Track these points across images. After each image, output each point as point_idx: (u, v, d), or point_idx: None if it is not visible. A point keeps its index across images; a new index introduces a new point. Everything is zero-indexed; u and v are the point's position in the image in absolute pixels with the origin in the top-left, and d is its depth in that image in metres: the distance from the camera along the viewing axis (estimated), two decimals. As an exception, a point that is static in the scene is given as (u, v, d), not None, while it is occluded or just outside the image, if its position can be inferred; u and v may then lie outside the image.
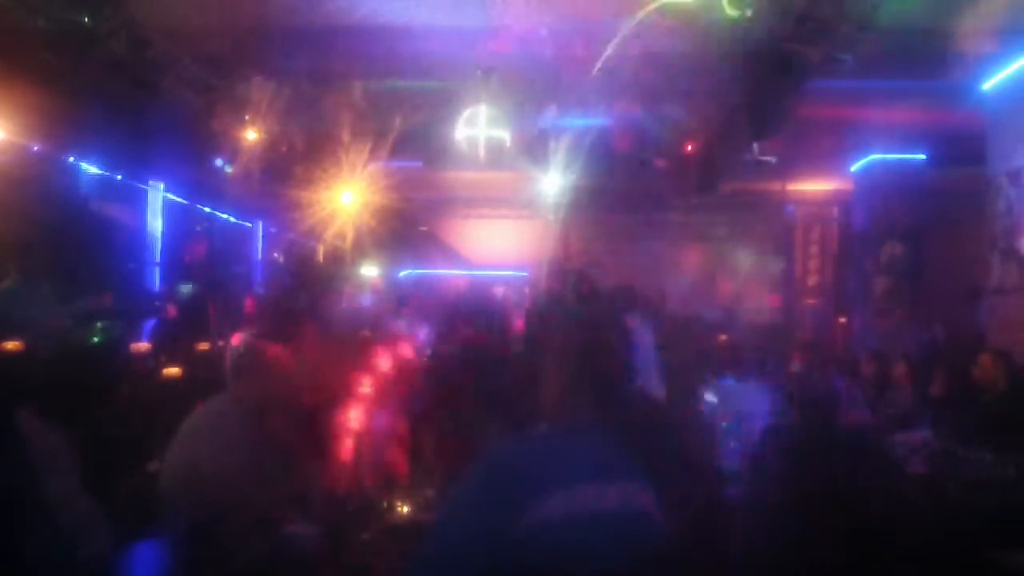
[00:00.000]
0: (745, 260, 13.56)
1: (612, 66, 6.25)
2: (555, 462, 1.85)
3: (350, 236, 8.89)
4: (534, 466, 1.83)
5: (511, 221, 12.71)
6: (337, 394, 4.00)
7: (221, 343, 7.74)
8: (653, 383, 4.44)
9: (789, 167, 10.01)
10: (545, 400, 1.97)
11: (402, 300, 6.34)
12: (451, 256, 13.15)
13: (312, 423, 3.77)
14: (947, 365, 5.86)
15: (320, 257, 11.40)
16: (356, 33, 5.91)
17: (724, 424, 4.63)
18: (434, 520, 1.90)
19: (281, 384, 3.22)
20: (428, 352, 5.04)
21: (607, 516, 1.83)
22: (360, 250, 9.09)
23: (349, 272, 8.57)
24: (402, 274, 11.70)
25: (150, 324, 7.17)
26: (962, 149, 7.82)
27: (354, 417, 3.80)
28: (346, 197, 8.64)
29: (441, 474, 3.17)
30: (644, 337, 4.67)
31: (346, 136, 7.81)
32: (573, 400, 1.95)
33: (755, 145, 7.50)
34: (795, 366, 5.75)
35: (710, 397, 4.91)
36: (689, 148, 9.11)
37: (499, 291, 7.83)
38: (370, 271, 9.20)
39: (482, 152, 6.91)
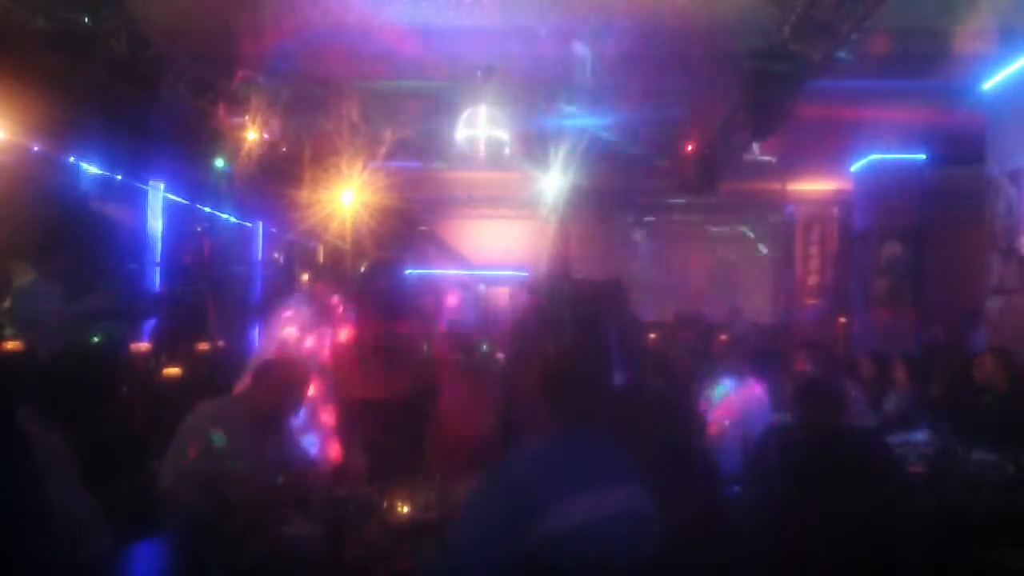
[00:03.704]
0: (745, 260, 13.57)
1: (612, 66, 6.25)
2: (563, 470, 1.86)
3: (350, 236, 8.90)
4: (544, 475, 1.84)
5: (511, 221, 12.72)
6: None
7: (221, 343, 7.76)
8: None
9: (789, 167, 10.01)
10: (546, 405, 1.98)
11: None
12: (451, 256, 13.16)
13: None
14: (947, 365, 5.86)
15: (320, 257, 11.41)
16: (356, 33, 5.91)
17: (725, 424, 4.63)
18: (450, 531, 1.90)
19: (299, 396, 3.27)
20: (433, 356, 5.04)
21: (610, 520, 1.84)
22: (360, 250, 9.09)
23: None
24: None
25: (150, 324, 7.18)
26: (962, 149, 7.82)
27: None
28: (346, 197, 8.64)
29: (442, 475, 3.17)
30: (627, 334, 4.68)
31: (346, 136, 7.81)
32: (572, 404, 1.96)
33: (755, 145, 7.49)
34: (800, 366, 5.76)
35: (711, 397, 4.91)
36: (689, 148, 9.11)
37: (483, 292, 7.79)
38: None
39: (482, 152, 6.90)
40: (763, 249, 13.65)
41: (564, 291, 4.90)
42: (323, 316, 4.76)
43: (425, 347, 4.93)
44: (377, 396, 4.32)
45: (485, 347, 4.47)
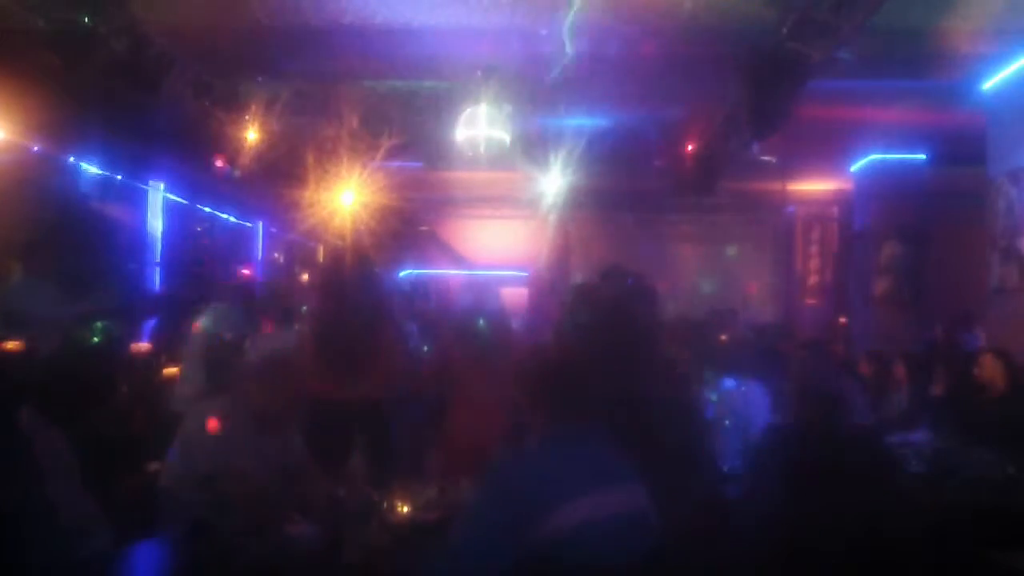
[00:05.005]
0: (745, 260, 13.57)
1: (612, 67, 6.25)
2: (564, 470, 1.86)
3: (350, 236, 8.90)
4: (545, 476, 1.83)
5: (511, 221, 12.72)
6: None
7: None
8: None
9: (789, 167, 10.01)
10: (548, 404, 1.98)
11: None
12: (451, 256, 13.16)
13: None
14: (947, 365, 5.86)
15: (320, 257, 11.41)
16: (356, 33, 5.91)
17: (725, 424, 4.63)
18: (450, 532, 1.90)
19: (294, 393, 3.26)
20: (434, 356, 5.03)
21: (611, 519, 1.84)
22: (360, 250, 9.08)
23: None
24: (402, 274, 11.70)
25: (150, 324, 7.18)
26: (962, 149, 7.82)
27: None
28: (346, 197, 8.65)
29: (442, 474, 3.17)
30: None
31: (346, 136, 7.81)
32: (575, 404, 1.95)
33: (755, 145, 7.49)
34: (800, 366, 5.77)
35: (711, 397, 4.91)
36: (689, 148, 9.11)
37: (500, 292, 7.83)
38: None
39: (482, 152, 6.90)
40: (763, 250, 13.65)
41: (588, 291, 4.82)
42: (274, 312, 4.75)
43: (398, 347, 4.91)
44: (337, 396, 4.26)
45: (482, 323, 4.44)
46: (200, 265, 8.83)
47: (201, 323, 5.16)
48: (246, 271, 9.66)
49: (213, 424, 3.09)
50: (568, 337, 1.97)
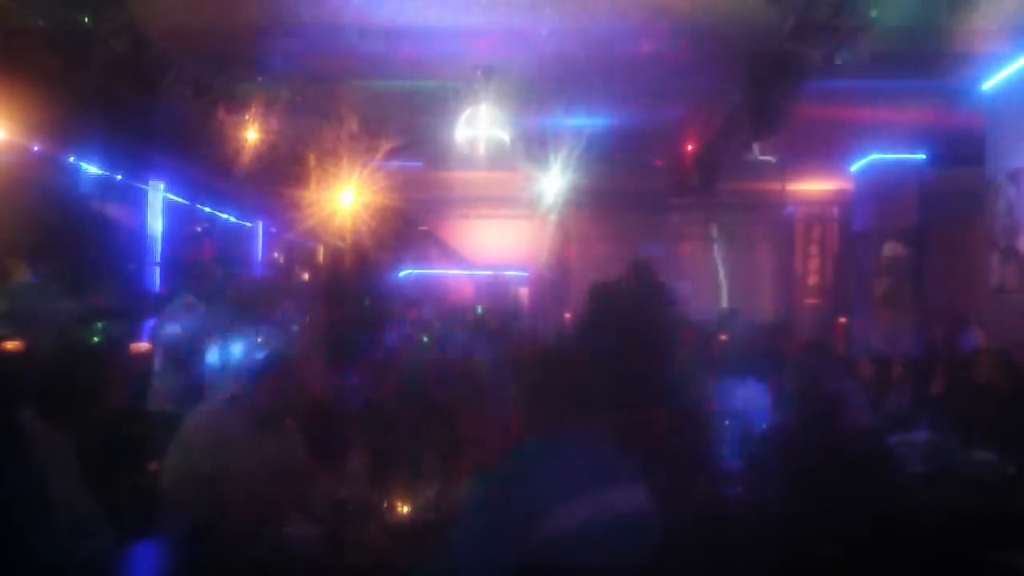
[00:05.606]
0: (745, 260, 13.57)
1: (612, 67, 6.26)
2: (566, 471, 1.86)
3: (350, 236, 8.91)
4: (548, 476, 1.83)
5: (511, 221, 12.72)
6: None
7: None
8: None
9: (789, 167, 10.01)
10: (557, 401, 1.98)
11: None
12: (451, 256, 13.16)
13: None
14: (947, 365, 5.86)
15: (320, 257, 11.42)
16: (356, 33, 5.91)
17: (725, 424, 4.63)
18: (450, 532, 1.90)
19: (300, 395, 3.26)
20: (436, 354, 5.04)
21: (611, 521, 1.83)
22: (360, 250, 9.09)
23: None
24: (402, 274, 11.71)
25: (150, 324, 7.19)
26: (962, 149, 7.82)
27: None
28: (346, 197, 8.65)
29: (443, 475, 3.17)
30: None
31: (346, 136, 7.81)
32: (585, 401, 1.95)
33: (755, 145, 7.49)
34: (800, 365, 5.76)
35: (711, 397, 4.91)
36: (689, 148, 9.11)
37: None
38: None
39: (482, 152, 6.91)
40: (763, 250, 13.66)
41: (611, 288, 4.76)
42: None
43: (398, 346, 4.90)
44: (337, 396, 4.26)
45: (480, 310, 4.44)
46: (199, 265, 8.83)
47: (163, 321, 5.10)
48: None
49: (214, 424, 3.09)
50: (582, 335, 1.96)
